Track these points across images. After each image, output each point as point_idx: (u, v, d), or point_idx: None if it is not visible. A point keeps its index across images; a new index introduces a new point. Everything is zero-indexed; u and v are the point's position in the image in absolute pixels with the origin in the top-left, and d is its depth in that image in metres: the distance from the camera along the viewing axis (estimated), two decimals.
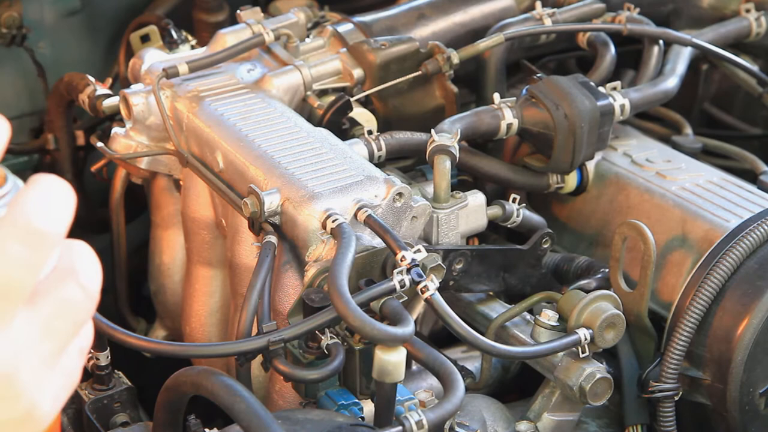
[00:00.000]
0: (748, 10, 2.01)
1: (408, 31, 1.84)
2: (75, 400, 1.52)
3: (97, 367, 1.50)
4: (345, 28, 1.83)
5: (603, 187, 1.77)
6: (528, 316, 1.56)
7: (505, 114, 1.67)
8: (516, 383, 1.69)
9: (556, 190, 1.75)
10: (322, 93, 1.76)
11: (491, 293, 1.63)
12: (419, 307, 1.46)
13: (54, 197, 0.76)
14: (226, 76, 1.73)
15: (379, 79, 1.76)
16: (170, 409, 1.31)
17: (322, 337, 1.35)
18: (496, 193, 1.76)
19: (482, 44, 1.79)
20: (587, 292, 1.51)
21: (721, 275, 1.52)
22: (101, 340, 1.48)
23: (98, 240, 1.93)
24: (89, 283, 0.80)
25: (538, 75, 1.74)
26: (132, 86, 1.75)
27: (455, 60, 1.76)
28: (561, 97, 1.65)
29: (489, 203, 1.62)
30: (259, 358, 1.34)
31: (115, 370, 1.52)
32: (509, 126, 1.67)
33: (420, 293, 1.34)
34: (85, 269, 0.80)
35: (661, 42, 1.87)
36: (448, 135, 1.58)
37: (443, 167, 1.56)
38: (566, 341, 1.46)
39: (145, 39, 2.00)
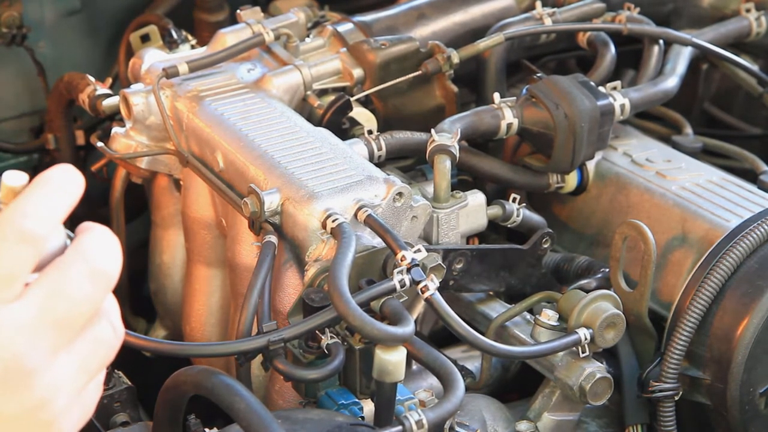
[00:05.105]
0: (748, 10, 2.01)
1: (408, 31, 1.84)
2: None
3: None
4: (345, 27, 1.83)
5: (603, 187, 1.76)
6: (528, 316, 1.56)
7: (505, 114, 1.67)
8: (516, 383, 1.68)
9: (556, 189, 1.75)
10: (322, 93, 1.76)
11: (491, 293, 1.63)
12: (419, 307, 1.45)
13: (111, 243, 0.84)
14: (226, 76, 1.73)
15: (379, 79, 1.75)
16: (170, 409, 1.31)
17: (322, 337, 1.34)
18: (496, 193, 1.76)
19: (482, 44, 1.78)
20: (587, 291, 1.51)
21: (722, 275, 1.52)
22: None
23: None
24: (118, 323, 0.86)
25: (538, 75, 1.74)
26: (132, 86, 1.75)
27: (455, 60, 1.76)
28: (561, 96, 1.65)
29: (489, 203, 1.61)
30: (259, 357, 1.34)
31: (115, 370, 1.52)
32: (509, 126, 1.67)
33: (420, 293, 1.34)
34: (113, 310, 0.87)
35: (661, 42, 1.87)
36: (448, 135, 1.58)
37: (443, 167, 1.56)
38: (566, 341, 1.46)
39: (145, 39, 2.00)
